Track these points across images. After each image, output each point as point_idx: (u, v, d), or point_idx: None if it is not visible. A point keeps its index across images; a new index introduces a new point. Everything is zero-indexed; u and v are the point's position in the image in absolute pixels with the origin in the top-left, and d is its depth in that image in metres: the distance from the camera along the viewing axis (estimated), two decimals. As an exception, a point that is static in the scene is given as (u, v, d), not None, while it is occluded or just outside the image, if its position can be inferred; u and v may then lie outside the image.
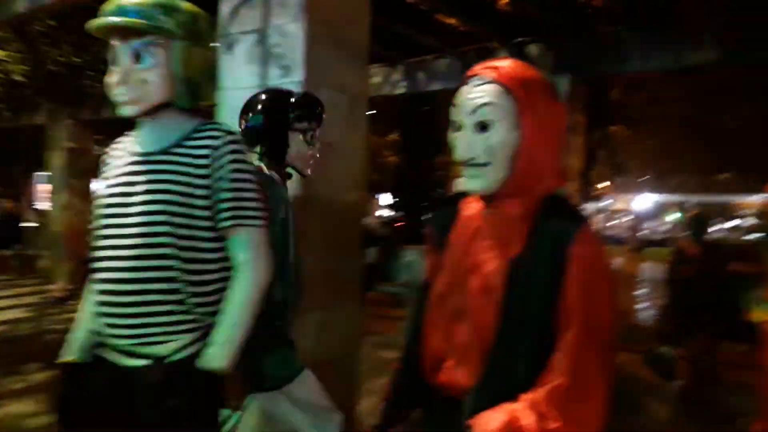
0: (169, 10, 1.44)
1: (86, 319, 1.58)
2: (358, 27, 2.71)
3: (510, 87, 1.17)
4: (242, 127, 2.01)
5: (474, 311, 1.20)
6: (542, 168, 1.19)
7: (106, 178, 1.53)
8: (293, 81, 2.45)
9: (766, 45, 4.69)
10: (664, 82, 9.48)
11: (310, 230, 2.37)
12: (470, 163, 1.20)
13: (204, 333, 1.46)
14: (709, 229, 5.43)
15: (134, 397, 1.40)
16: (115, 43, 1.45)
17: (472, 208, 1.30)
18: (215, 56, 1.61)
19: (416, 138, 9.89)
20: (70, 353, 1.56)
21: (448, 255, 1.30)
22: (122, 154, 1.54)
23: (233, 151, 1.48)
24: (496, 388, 1.14)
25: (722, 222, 22.32)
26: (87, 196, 9.25)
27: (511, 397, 1.11)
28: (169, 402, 1.37)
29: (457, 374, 1.21)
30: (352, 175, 2.64)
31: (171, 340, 1.42)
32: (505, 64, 1.21)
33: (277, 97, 2.02)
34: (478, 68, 1.22)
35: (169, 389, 1.38)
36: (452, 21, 5.36)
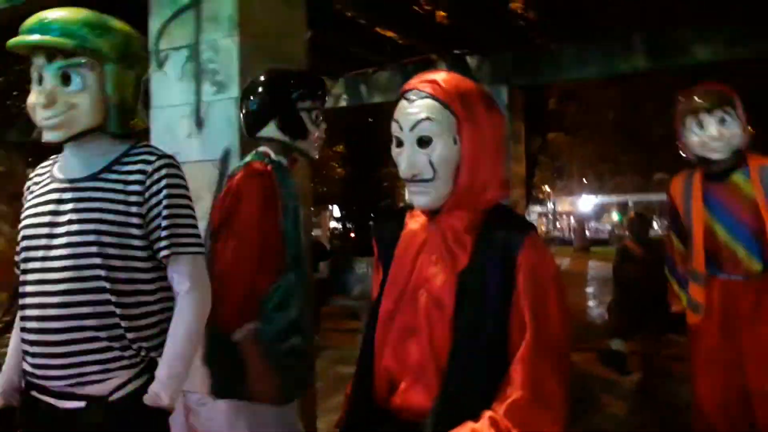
0: (100, 30, 1.36)
1: (15, 359, 1.48)
2: (293, 41, 2.67)
3: (447, 102, 1.15)
4: (244, 111, 1.99)
5: (425, 328, 1.16)
6: (485, 179, 1.18)
7: (30, 207, 1.44)
8: (229, 97, 2.39)
9: (689, 52, 4.96)
10: (597, 90, 9.86)
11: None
12: (415, 179, 1.18)
13: (144, 367, 1.39)
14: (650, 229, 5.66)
15: None
16: (39, 61, 1.36)
17: (416, 221, 1.27)
18: (148, 78, 1.53)
19: (361, 150, 9.90)
20: None
21: (393, 270, 1.26)
22: (47, 181, 1.45)
23: (168, 175, 1.41)
24: (456, 407, 1.10)
25: (659, 220, 23.30)
26: (17, 222, 8.81)
27: (472, 413, 1.08)
28: None
29: (412, 396, 1.16)
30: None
31: (110, 378, 1.34)
32: (441, 77, 1.18)
33: (277, 76, 2.00)
34: (414, 82, 1.20)
35: (110, 430, 1.31)
36: (391, 34, 5.40)
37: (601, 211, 40.06)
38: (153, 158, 1.41)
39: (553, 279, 1.15)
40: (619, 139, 12.88)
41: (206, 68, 2.43)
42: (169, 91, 2.50)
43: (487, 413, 1.07)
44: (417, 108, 1.16)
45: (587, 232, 25.79)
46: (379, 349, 1.23)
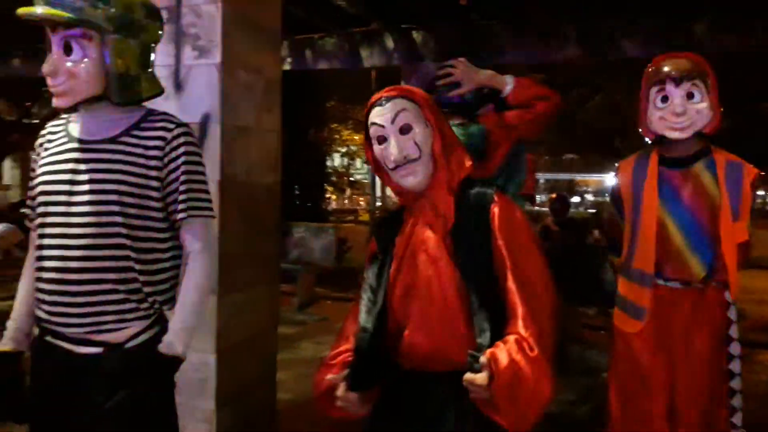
0: (99, 1, 1.40)
1: (26, 306, 1.54)
2: (270, 9, 2.73)
3: (410, 96, 1.44)
4: (451, 99, 2.15)
5: (424, 284, 1.39)
6: (454, 154, 1.45)
7: (47, 164, 1.48)
8: (209, 62, 2.44)
9: (619, 45, 5.34)
10: (525, 74, 10.30)
11: (230, 213, 2.40)
12: (405, 162, 1.40)
13: (156, 320, 1.50)
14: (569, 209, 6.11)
15: (89, 385, 1.41)
16: (48, 31, 1.40)
17: (413, 209, 1.48)
18: (157, 45, 1.57)
19: (298, 114, 9.85)
20: (7, 342, 1.52)
21: (397, 243, 1.46)
22: (63, 140, 1.50)
23: (186, 143, 1.50)
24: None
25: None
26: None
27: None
28: (127, 388, 1.39)
29: (416, 342, 1.38)
30: (268, 158, 2.69)
31: (126, 327, 1.44)
32: (397, 87, 1.49)
33: None
34: (378, 94, 1.47)
35: (126, 376, 1.40)
36: (341, 2, 5.43)
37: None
38: (172, 126, 1.49)
39: (522, 222, 1.41)
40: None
41: (187, 32, 2.45)
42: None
43: (512, 336, 1.26)
44: (391, 105, 1.42)
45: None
46: (389, 307, 1.44)
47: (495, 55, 5.86)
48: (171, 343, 1.45)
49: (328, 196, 14.76)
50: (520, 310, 1.29)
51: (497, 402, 1.19)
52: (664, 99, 1.99)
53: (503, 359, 1.19)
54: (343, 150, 22.87)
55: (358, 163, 27.07)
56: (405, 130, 1.40)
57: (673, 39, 5.00)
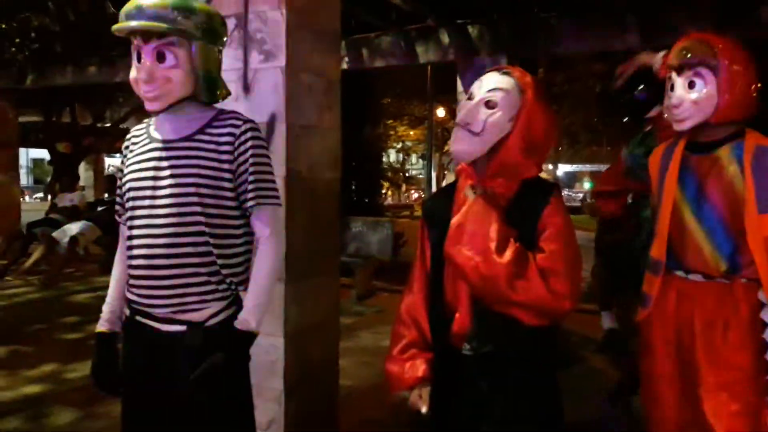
0: (187, 11, 1.55)
1: (117, 291, 1.73)
2: (330, 13, 2.86)
3: (523, 88, 1.47)
4: (639, 97, 2.22)
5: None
6: (524, 160, 1.49)
7: (133, 164, 1.66)
8: (275, 66, 2.58)
9: (676, 32, 5.21)
10: (584, 62, 10.11)
11: (294, 207, 2.55)
12: (465, 128, 1.47)
13: (233, 300, 1.65)
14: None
15: (175, 360, 1.57)
16: (137, 41, 1.56)
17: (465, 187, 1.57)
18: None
19: (355, 112, 10.03)
20: (103, 324, 1.71)
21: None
22: (145, 141, 1.67)
23: (253, 137, 1.64)
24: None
25: (630, 191, 23.87)
26: (10, 168, 8.83)
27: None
28: (209, 362, 1.54)
29: (465, 322, 1.48)
30: (329, 155, 2.83)
31: (206, 307, 1.59)
32: (528, 74, 1.52)
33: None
34: (509, 67, 1.54)
35: (208, 351, 1.55)
36: (396, 1, 5.53)
37: (574, 179, 40.84)
38: (240, 122, 1.64)
39: (571, 228, 1.49)
40: (601, 111, 13.23)
41: (254, 37, 2.61)
42: (219, 57, 2.67)
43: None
44: (500, 79, 1.48)
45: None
46: (444, 289, 1.54)
47: (552, 46, 5.84)
48: (246, 320, 1.59)
49: (384, 191, 14.90)
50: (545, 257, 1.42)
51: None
52: (672, 88, 1.89)
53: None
54: (399, 146, 22.97)
55: (413, 158, 27.10)
56: (489, 104, 1.46)
57: (737, 24, 4.85)
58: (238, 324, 1.59)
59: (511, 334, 1.43)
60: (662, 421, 1.99)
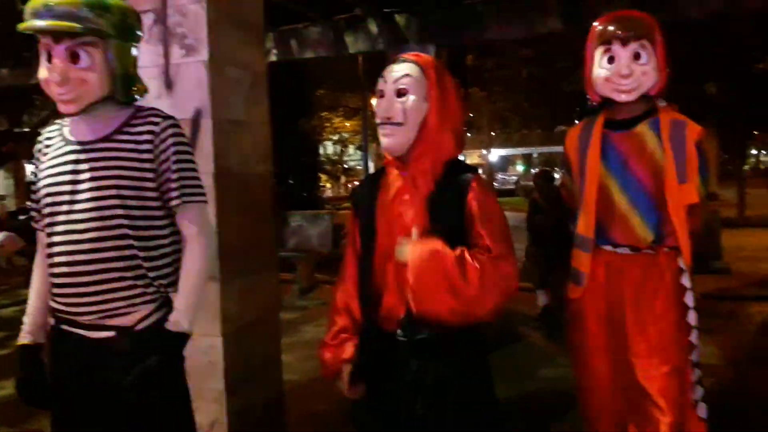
0: (100, 9, 1.48)
1: (38, 300, 1.65)
2: (253, 4, 2.81)
3: (424, 68, 1.52)
4: None
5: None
6: (444, 136, 1.53)
7: (48, 168, 1.58)
8: (197, 60, 2.51)
9: (596, 16, 5.39)
10: (512, 47, 10.36)
11: (226, 203, 2.50)
12: (388, 123, 1.50)
13: (162, 302, 1.61)
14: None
15: (105, 367, 1.52)
16: (46, 40, 1.47)
17: (391, 174, 1.60)
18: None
19: (287, 104, 9.93)
20: (25, 336, 1.63)
21: (378, 214, 1.58)
22: (60, 144, 1.59)
23: (174, 134, 1.59)
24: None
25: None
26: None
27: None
28: (142, 366, 1.49)
29: (392, 307, 1.51)
30: (260, 149, 2.79)
31: (135, 311, 1.54)
32: (424, 55, 1.58)
33: None
34: (404, 54, 1.57)
35: (140, 355, 1.51)
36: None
37: (507, 163, 41.85)
38: (159, 119, 1.59)
39: (499, 211, 1.53)
40: (529, 96, 13.62)
41: (174, 32, 2.53)
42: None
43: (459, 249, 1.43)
44: (401, 67, 1.53)
45: (495, 183, 26.99)
46: (371, 273, 1.56)
47: (479, 33, 5.94)
48: (177, 321, 1.56)
49: (322, 184, 14.83)
50: (483, 233, 1.46)
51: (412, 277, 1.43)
52: (611, 60, 1.91)
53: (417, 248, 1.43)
54: (336, 138, 22.88)
55: (351, 149, 27.05)
56: (401, 93, 1.50)
57: (656, 7, 5.06)
58: (170, 326, 1.55)
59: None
60: (595, 391, 2.06)
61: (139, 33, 1.64)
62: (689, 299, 1.97)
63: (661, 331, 1.93)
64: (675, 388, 1.92)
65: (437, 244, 1.43)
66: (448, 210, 1.48)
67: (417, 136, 1.51)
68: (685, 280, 1.97)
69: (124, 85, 1.56)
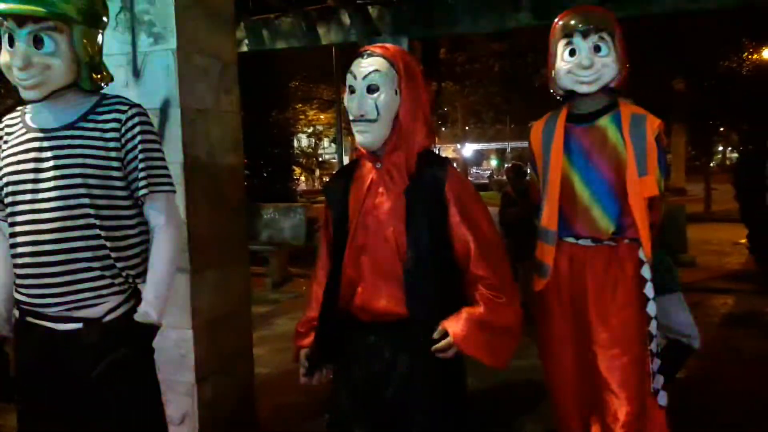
0: None
1: (1, 293, 1.61)
2: (222, -8, 2.77)
3: (393, 61, 1.51)
4: None
5: (373, 246, 1.52)
6: (417, 127, 1.54)
7: (9, 156, 1.54)
8: (165, 48, 2.47)
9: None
10: (485, 42, 10.42)
11: (195, 194, 2.47)
12: (362, 119, 1.50)
13: (131, 293, 1.58)
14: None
15: (73, 359, 1.49)
16: (8, 24, 1.44)
17: (364, 167, 1.60)
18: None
19: (260, 96, 9.80)
20: None
21: (351, 204, 1.58)
22: (21, 131, 1.55)
23: (141, 122, 1.57)
24: (419, 297, 1.49)
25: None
26: None
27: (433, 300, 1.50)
28: (110, 358, 1.48)
29: (367, 297, 1.52)
30: (230, 139, 2.76)
31: (103, 302, 1.52)
32: (390, 46, 1.57)
33: None
34: (369, 47, 1.54)
35: (108, 347, 1.49)
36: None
37: (481, 158, 42.15)
38: (125, 108, 1.56)
39: (475, 196, 1.56)
40: (502, 90, 13.71)
41: (142, 19, 2.48)
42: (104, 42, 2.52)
43: (476, 294, 1.49)
44: (369, 62, 1.51)
45: (470, 178, 27.10)
46: (344, 265, 1.56)
47: (451, 27, 5.95)
48: (146, 312, 1.54)
49: (296, 177, 14.74)
50: (472, 246, 1.49)
51: (469, 353, 1.46)
52: (572, 53, 1.96)
53: (455, 327, 1.46)
54: (310, 130, 22.72)
55: (325, 142, 26.90)
56: (372, 89, 1.49)
57: (623, 2, 5.13)
58: (138, 317, 1.54)
59: (422, 306, 1.47)
60: (561, 381, 2.11)
61: (105, 19, 1.61)
62: (649, 290, 2.01)
63: (622, 321, 1.97)
64: (635, 377, 1.97)
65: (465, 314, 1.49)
66: (426, 203, 1.49)
67: (391, 129, 1.51)
68: (645, 272, 2.01)
69: (90, 72, 1.53)
